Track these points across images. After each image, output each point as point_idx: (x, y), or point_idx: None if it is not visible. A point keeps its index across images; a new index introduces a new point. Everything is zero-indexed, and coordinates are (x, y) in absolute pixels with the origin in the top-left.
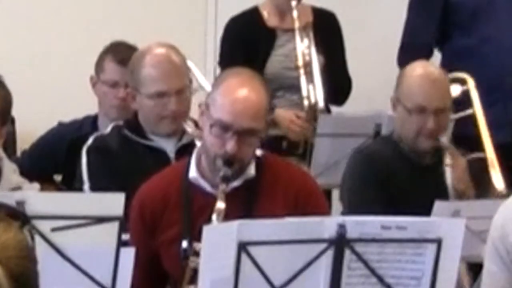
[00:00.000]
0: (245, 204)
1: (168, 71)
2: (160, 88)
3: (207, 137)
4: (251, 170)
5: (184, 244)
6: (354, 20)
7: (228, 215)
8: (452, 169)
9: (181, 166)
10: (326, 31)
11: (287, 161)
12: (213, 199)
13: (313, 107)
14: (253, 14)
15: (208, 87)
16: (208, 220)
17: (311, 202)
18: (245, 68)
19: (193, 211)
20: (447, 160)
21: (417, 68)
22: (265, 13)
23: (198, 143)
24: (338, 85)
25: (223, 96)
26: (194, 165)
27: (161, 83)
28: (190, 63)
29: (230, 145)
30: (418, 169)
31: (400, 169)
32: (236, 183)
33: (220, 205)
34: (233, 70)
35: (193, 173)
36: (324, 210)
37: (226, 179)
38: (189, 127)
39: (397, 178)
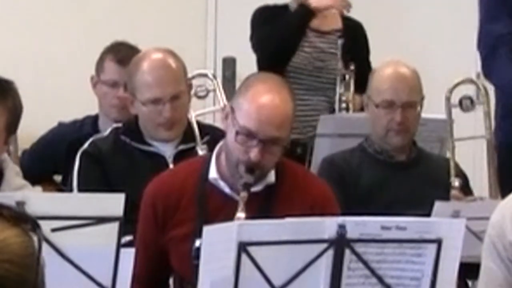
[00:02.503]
0: (263, 210)
1: (162, 77)
2: (154, 95)
3: (230, 141)
4: (272, 177)
5: (198, 243)
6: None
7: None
8: None
9: (198, 163)
10: (354, 40)
11: (306, 169)
12: (230, 201)
13: None
14: (282, 8)
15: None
16: None
17: (326, 211)
18: (272, 75)
19: (208, 211)
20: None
21: (387, 67)
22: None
23: (200, 152)
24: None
25: (249, 102)
26: (214, 165)
27: (155, 89)
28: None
29: (254, 153)
30: (390, 168)
31: (367, 171)
32: (256, 188)
33: (241, 214)
34: (261, 75)
35: (213, 173)
36: None
37: (248, 186)
38: (201, 150)
39: (365, 179)
